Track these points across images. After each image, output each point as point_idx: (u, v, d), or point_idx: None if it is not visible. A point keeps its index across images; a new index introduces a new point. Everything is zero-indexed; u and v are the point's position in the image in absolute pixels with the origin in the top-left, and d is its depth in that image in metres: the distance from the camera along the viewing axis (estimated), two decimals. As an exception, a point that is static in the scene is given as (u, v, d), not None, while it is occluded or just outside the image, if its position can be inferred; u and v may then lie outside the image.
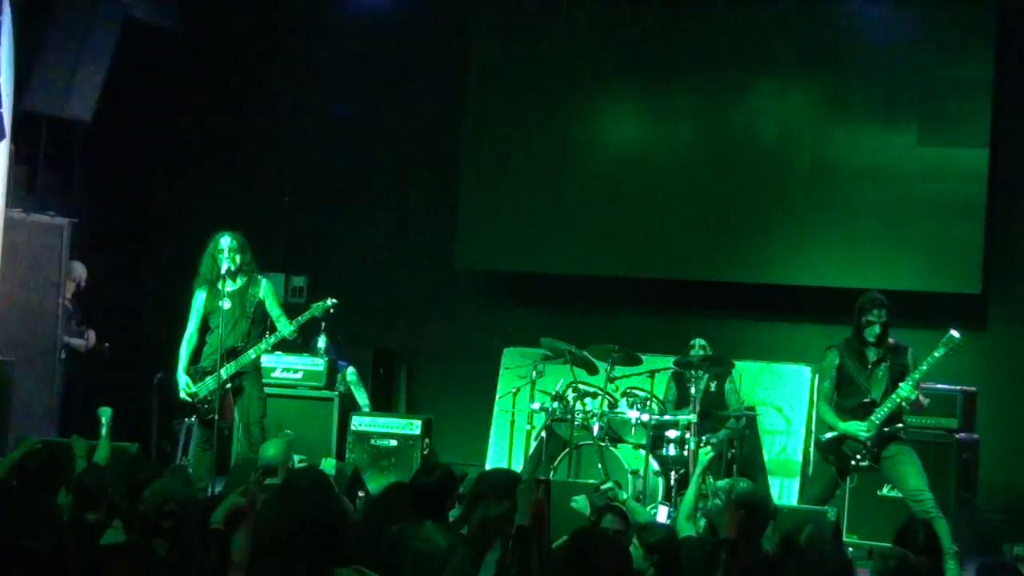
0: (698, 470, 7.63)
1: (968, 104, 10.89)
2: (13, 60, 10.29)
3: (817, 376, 10.00)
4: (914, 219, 11.08)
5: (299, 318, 9.30)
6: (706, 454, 8.02)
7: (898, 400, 8.38)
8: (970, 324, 10.64)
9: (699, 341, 10.41)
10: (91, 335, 11.67)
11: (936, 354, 8.31)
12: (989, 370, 10.86)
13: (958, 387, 9.90)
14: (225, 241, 9.29)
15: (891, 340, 8.60)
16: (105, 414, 7.71)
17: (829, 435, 8.63)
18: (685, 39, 11.80)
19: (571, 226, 11.96)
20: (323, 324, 10.32)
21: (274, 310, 9.34)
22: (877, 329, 8.49)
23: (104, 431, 7.63)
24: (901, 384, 8.39)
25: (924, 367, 8.36)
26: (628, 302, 12.06)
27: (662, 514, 9.29)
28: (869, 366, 8.54)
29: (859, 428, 8.45)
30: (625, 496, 7.35)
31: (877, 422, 8.41)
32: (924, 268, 11.06)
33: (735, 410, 10.30)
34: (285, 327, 9.22)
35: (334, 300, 9.40)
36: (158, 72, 13.00)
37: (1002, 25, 10.94)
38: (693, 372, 9.99)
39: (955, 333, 8.30)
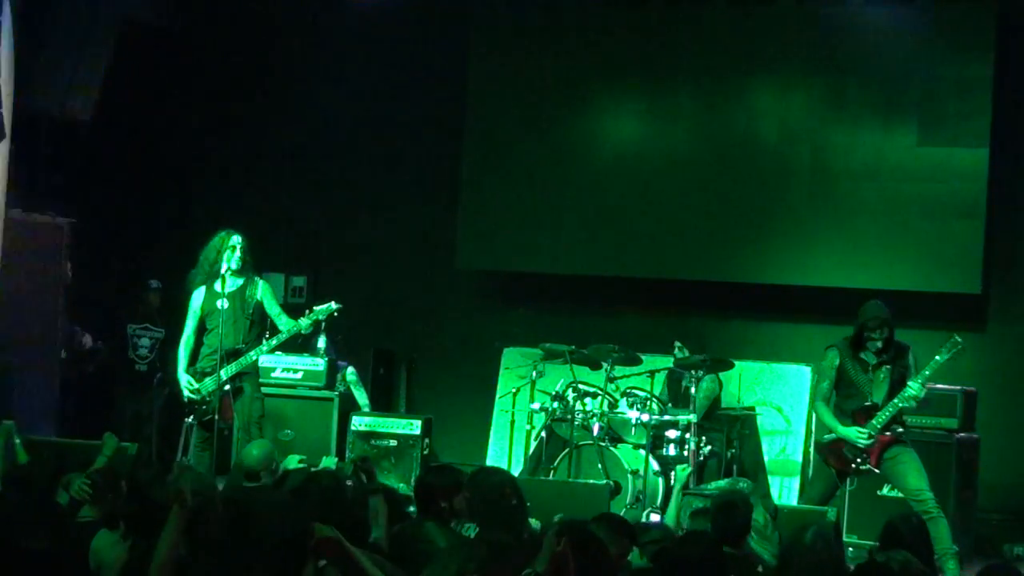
0: (677, 487, 7.70)
1: (968, 104, 10.89)
2: (13, 60, 10.29)
3: (816, 375, 9.98)
4: (914, 219, 11.08)
5: (309, 316, 9.25)
6: (683, 470, 8.07)
7: (907, 396, 8.31)
8: (970, 324, 10.65)
9: (677, 343, 10.40)
10: (88, 337, 11.68)
11: (939, 358, 8.28)
12: (989, 370, 10.86)
13: (958, 387, 9.90)
14: (235, 239, 9.26)
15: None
16: (111, 439, 7.55)
17: (829, 437, 8.61)
18: (685, 39, 11.80)
19: (571, 226, 11.97)
20: (323, 324, 10.32)
21: (273, 309, 9.32)
22: (879, 345, 8.46)
23: (103, 460, 7.47)
24: (910, 383, 8.33)
25: (927, 372, 8.33)
26: (628, 302, 12.06)
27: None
28: (870, 368, 8.51)
29: (859, 435, 8.42)
30: None
31: (878, 426, 8.39)
32: (924, 268, 11.05)
33: (699, 406, 10.23)
34: (291, 324, 9.17)
35: (339, 304, 9.37)
36: (158, 72, 13.00)
37: (1002, 25, 10.94)
38: (693, 372, 9.99)
39: (958, 338, 8.29)
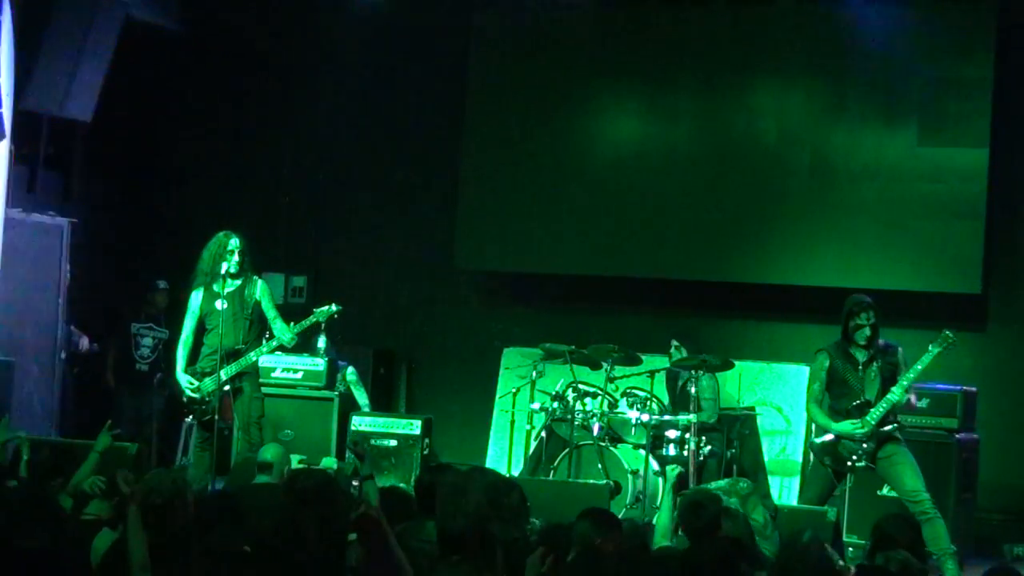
0: (667, 487, 7.68)
1: (968, 104, 10.89)
2: (13, 60, 10.28)
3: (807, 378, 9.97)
4: (914, 219, 11.08)
5: (302, 323, 9.27)
6: (673, 471, 8.06)
7: (899, 390, 8.35)
8: (970, 324, 10.65)
9: (674, 342, 10.40)
10: (84, 340, 11.68)
11: (930, 353, 8.29)
12: (989, 370, 10.86)
13: (958, 387, 9.89)
14: (233, 243, 9.26)
15: (880, 340, 8.58)
16: (105, 437, 7.53)
17: (824, 438, 8.60)
18: (685, 39, 11.80)
19: (571, 226, 11.96)
20: (323, 324, 10.32)
21: (270, 311, 9.30)
22: (868, 332, 8.46)
23: (95, 456, 7.43)
24: (892, 388, 8.37)
25: (919, 367, 8.34)
26: (628, 302, 12.06)
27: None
28: (860, 367, 8.52)
29: (854, 427, 8.42)
30: None
31: (873, 421, 8.38)
32: (924, 268, 11.05)
33: (709, 405, 10.20)
34: (283, 332, 9.19)
35: (339, 306, 9.37)
36: (158, 72, 13.00)
37: (1002, 25, 10.93)
38: (692, 372, 9.98)
39: (948, 332, 8.30)
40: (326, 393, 10.95)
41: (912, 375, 8.35)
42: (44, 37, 11.14)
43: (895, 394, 8.35)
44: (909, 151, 11.11)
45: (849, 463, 8.47)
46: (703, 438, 9.85)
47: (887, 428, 8.42)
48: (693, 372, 9.97)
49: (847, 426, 8.45)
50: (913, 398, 8.60)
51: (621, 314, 11.97)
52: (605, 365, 10.12)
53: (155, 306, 11.77)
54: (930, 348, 8.31)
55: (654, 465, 9.76)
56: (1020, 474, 10.89)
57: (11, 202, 10.69)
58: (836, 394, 8.60)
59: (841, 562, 6.46)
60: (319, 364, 10.96)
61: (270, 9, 13.02)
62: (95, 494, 6.43)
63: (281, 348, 9.52)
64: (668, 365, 10.43)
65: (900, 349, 8.56)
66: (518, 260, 12.27)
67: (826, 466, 8.60)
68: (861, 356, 8.51)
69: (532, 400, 10.41)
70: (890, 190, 11.16)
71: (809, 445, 9.15)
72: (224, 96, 13.20)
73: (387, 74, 12.76)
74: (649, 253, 11.81)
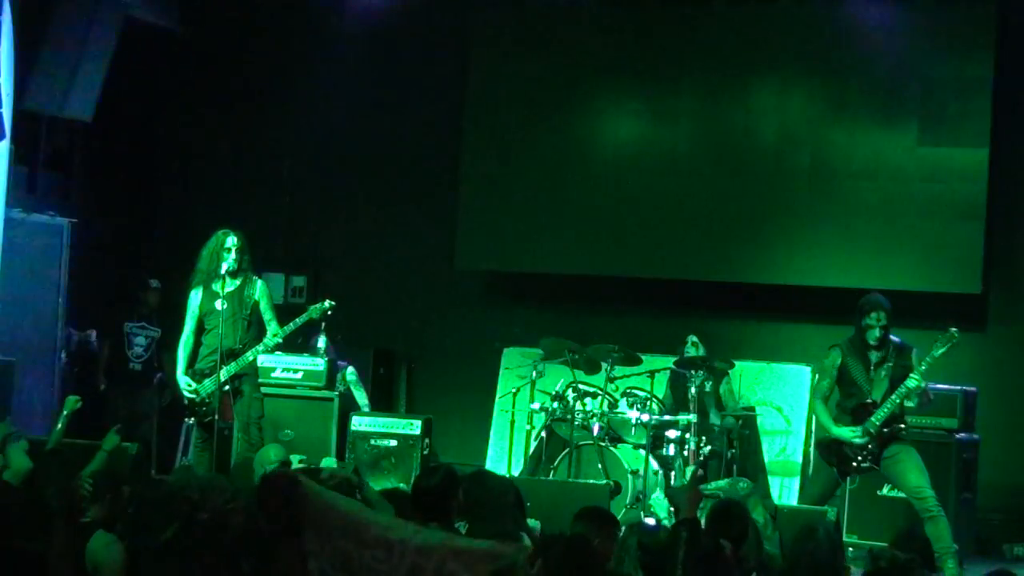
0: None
1: (968, 104, 10.89)
2: (13, 60, 10.29)
3: (817, 373, 9.97)
4: (914, 219, 11.08)
5: (295, 321, 9.26)
6: (690, 470, 8.06)
7: (905, 391, 8.31)
8: (970, 324, 10.63)
9: (692, 338, 10.40)
10: (92, 334, 11.68)
11: (935, 352, 8.29)
12: (989, 370, 10.85)
13: (958, 387, 9.89)
14: (231, 240, 9.23)
15: (896, 340, 8.57)
16: (113, 436, 7.50)
17: (829, 436, 8.61)
18: (685, 39, 11.81)
19: (571, 226, 11.96)
20: (323, 324, 10.30)
21: (266, 313, 9.28)
22: (877, 332, 8.46)
23: (103, 456, 7.40)
24: (911, 375, 8.33)
25: (923, 367, 8.34)
26: (628, 302, 12.06)
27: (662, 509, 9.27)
28: (872, 367, 8.51)
29: (853, 434, 8.42)
30: None
31: (877, 423, 8.38)
32: (924, 268, 11.05)
33: (732, 409, 10.29)
34: (270, 335, 9.18)
35: (332, 302, 9.38)
36: (158, 72, 13.00)
37: (1002, 25, 10.93)
38: (693, 371, 9.98)
39: (954, 330, 8.30)
40: (326, 393, 10.93)
41: (924, 367, 8.31)
42: (44, 37, 11.15)
43: (909, 384, 8.29)
44: (909, 151, 11.11)
45: (854, 463, 8.48)
46: (703, 438, 9.85)
47: (892, 428, 8.41)
48: (692, 372, 9.97)
49: (846, 432, 8.45)
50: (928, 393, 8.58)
51: (621, 314, 11.97)
52: (605, 365, 10.12)
53: (147, 305, 11.77)
54: (936, 347, 8.30)
55: (654, 465, 9.76)
56: (1020, 474, 10.88)
57: (11, 202, 10.69)
58: (845, 393, 8.63)
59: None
60: (319, 364, 10.94)
61: (269, 10, 13.02)
62: (84, 495, 6.42)
63: (281, 345, 9.51)
64: (671, 364, 10.43)
65: (915, 350, 8.55)
66: (518, 260, 12.27)
67: (831, 465, 8.61)
68: (874, 356, 8.52)
69: (532, 400, 10.41)
70: (890, 190, 11.15)
71: (816, 442, 9.15)
72: (224, 96, 13.20)
73: (387, 74, 12.76)
74: (649, 253, 11.81)
